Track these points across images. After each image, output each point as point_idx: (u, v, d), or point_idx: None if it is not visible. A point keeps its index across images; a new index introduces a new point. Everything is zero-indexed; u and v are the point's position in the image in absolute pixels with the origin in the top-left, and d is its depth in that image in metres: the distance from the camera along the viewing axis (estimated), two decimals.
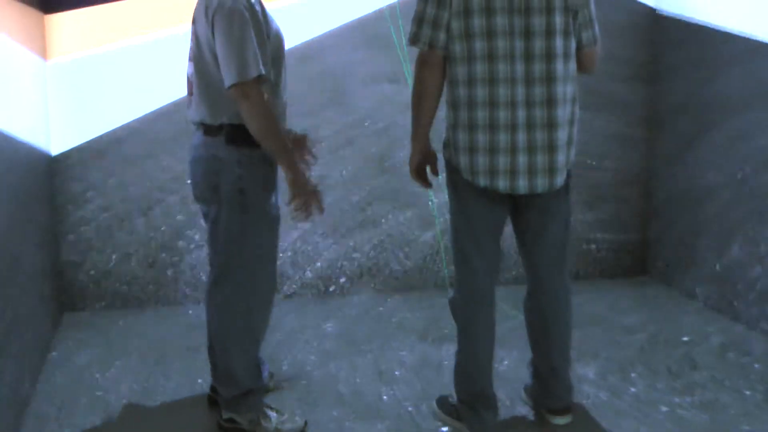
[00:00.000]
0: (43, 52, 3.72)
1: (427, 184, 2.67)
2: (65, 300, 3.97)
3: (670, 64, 4.21)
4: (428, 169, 2.65)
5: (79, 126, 3.87)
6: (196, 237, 4.05)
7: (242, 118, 2.37)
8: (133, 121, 3.96)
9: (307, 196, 2.47)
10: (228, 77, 2.33)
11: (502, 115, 2.41)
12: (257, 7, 2.41)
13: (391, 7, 4.09)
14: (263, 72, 2.35)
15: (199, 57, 2.45)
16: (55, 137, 3.84)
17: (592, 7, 2.48)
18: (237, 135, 2.43)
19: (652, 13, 4.30)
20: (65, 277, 3.96)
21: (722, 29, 3.75)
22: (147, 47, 3.90)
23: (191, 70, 2.51)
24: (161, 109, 3.95)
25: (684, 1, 4.05)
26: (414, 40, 2.46)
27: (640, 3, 4.33)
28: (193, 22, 2.48)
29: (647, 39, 4.32)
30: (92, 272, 4.01)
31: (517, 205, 2.56)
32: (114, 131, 3.94)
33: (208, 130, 2.48)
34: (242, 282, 2.53)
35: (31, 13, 3.51)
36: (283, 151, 2.42)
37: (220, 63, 2.36)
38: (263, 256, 2.55)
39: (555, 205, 2.57)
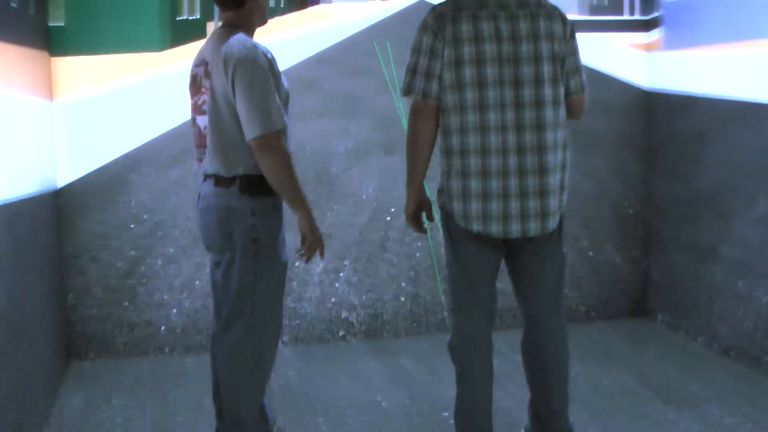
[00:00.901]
0: (49, 92, 3.90)
1: (421, 229, 2.77)
2: (72, 348, 4.07)
3: (662, 137, 4.42)
4: (423, 215, 2.76)
5: (83, 164, 4.03)
6: (197, 283, 4.15)
7: (259, 168, 2.49)
8: (138, 160, 4.11)
9: (316, 243, 2.61)
10: (251, 129, 2.43)
11: (494, 162, 2.52)
12: (274, 62, 2.53)
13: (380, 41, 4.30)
14: (285, 125, 2.48)
15: (214, 110, 2.53)
16: (61, 175, 4.01)
17: (579, 56, 2.61)
18: (251, 185, 2.53)
19: (641, 91, 4.54)
20: (71, 325, 4.06)
21: (706, 96, 3.98)
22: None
23: (204, 122, 2.59)
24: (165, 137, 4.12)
25: (670, 77, 4.32)
26: (407, 90, 2.58)
27: (629, 83, 4.56)
28: (206, 75, 2.57)
29: (639, 115, 4.53)
30: (98, 320, 4.11)
31: (511, 249, 2.65)
32: (118, 170, 4.08)
33: (220, 180, 2.57)
34: (252, 327, 2.61)
35: (39, 56, 3.68)
36: (301, 201, 2.55)
37: (241, 115, 2.46)
38: (272, 302, 2.65)
39: (549, 248, 2.66)
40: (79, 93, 4.02)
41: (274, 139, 2.44)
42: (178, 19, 4.17)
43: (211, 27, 4.24)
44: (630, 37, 4.62)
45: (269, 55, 2.50)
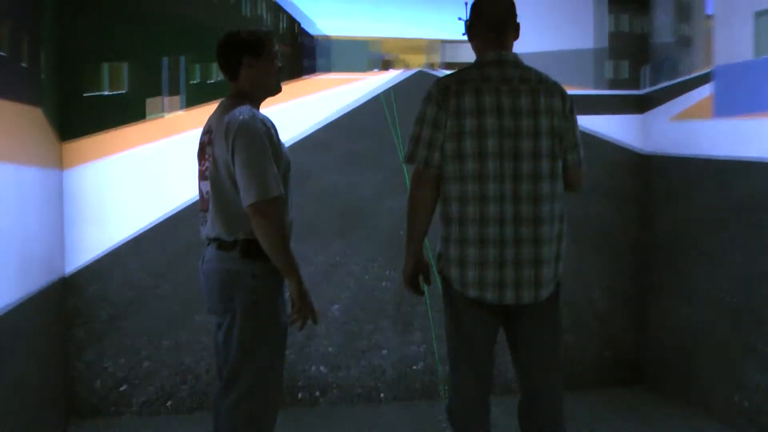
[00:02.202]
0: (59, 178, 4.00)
1: (419, 292, 2.86)
2: (72, 408, 4.11)
3: (657, 196, 4.61)
4: (421, 278, 2.86)
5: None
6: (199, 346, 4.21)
7: (257, 234, 2.59)
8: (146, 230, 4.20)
9: (307, 310, 2.69)
10: (248, 196, 2.56)
11: (492, 231, 2.63)
12: (273, 131, 2.67)
13: (386, 93, 4.49)
14: (282, 192, 2.60)
15: (216, 177, 2.67)
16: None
17: (577, 131, 2.76)
18: (252, 249, 2.64)
19: (636, 154, 4.74)
20: (73, 386, 4.12)
21: (699, 156, 4.20)
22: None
23: (207, 188, 2.72)
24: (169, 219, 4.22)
25: (663, 140, 4.57)
26: (410, 158, 2.72)
27: (626, 147, 4.77)
28: (209, 143, 2.72)
29: (636, 176, 4.73)
30: (98, 381, 4.18)
31: (508, 315, 2.75)
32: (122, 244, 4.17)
33: (222, 244, 2.68)
34: (252, 388, 2.67)
35: (50, 141, 3.80)
36: (292, 268, 2.64)
37: (239, 182, 2.58)
38: (273, 364, 2.72)
39: (546, 315, 2.75)
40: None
41: (270, 206, 2.55)
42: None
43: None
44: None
45: (268, 124, 2.65)
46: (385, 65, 4.66)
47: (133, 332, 4.20)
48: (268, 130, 2.62)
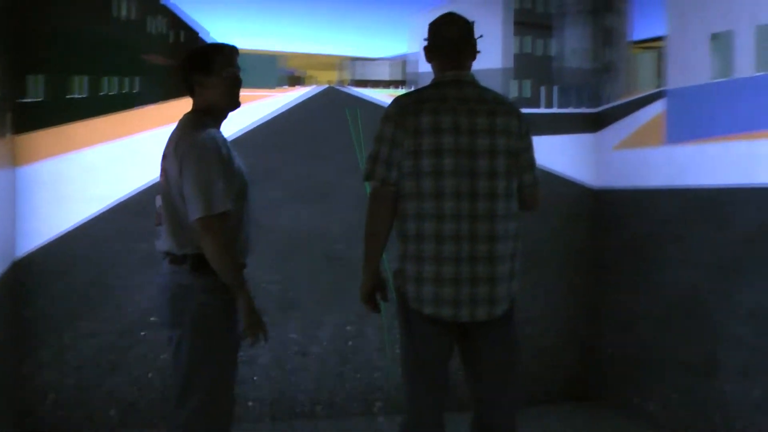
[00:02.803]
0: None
1: (376, 309, 2.89)
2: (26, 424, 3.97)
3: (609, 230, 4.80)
4: (378, 295, 2.89)
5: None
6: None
7: (203, 249, 2.61)
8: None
9: (256, 326, 2.70)
10: (194, 211, 2.58)
11: (448, 248, 2.69)
12: (224, 147, 2.68)
13: (351, 109, 4.51)
14: (229, 208, 2.61)
15: (167, 191, 2.69)
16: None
17: (533, 151, 2.86)
18: (202, 264, 2.64)
19: (588, 189, 4.92)
20: (27, 402, 3.98)
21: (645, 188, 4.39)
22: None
23: (160, 202, 2.74)
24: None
25: (612, 175, 4.72)
26: (368, 176, 2.76)
27: (578, 182, 4.93)
28: (164, 157, 2.73)
29: (589, 212, 4.90)
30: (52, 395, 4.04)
31: (463, 332, 2.81)
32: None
33: (174, 259, 2.70)
34: (203, 404, 2.67)
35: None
36: (238, 284, 2.66)
37: (186, 197, 2.60)
38: (224, 380, 2.73)
39: (500, 332, 2.83)
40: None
41: (215, 222, 2.58)
42: None
43: None
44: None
45: (219, 141, 2.66)
46: (294, 81, 4.63)
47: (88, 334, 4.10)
48: (217, 147, 2.63)
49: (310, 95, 4.64)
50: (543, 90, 5.11)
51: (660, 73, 4.37)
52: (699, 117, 3.89)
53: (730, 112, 3.67)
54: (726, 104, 3.70)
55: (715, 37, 3.84)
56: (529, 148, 2.84)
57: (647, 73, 4.52)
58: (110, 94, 4.27)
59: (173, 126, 2.77)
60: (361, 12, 4.63)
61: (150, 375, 4.15)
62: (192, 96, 2.79)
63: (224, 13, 4.37)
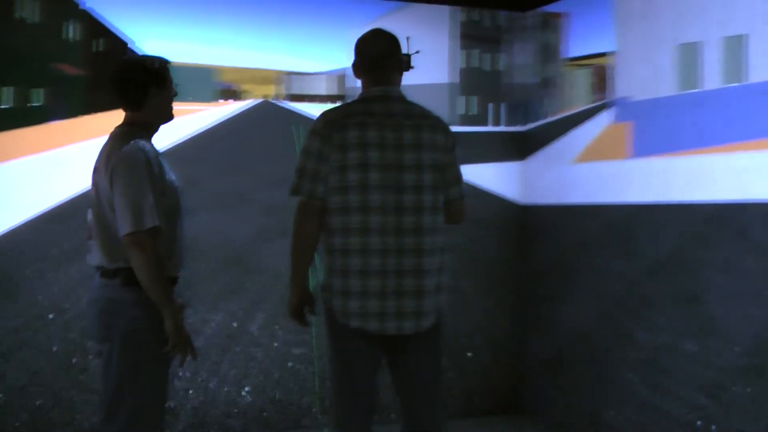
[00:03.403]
0: None
1: (304, 323, 2.94)
2: None
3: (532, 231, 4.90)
4: (306, 309, 2.94)
5: None
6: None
7: (132, 264, 2.63)
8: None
9: (183, 343, 2.73)
10: (123, 226, 2.60)
11: (374, 262, 2.74)
12: (155, 161, 2.70)
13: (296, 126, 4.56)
14: (158, 224, 2.62)
15: (98, 205, 2.71)
16: None
17: (459, 166, 2.92)
18: (133, 278, 2.66)
19: (515, 205, 5.02)
20: None
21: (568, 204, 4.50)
22: None
23: (90, 216, 2.76)
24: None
25: (536, 192, 4.83)
26: (295, 190, 2.80)
27: (506, 198, 5.01)
28: (95, 171, 2.74)
29: (515, 226, 4.98)
30: None
31: (391, 346, 2.86)
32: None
33: (105, 272, 2.72)
34: (133, 420, 2.69)
35: None
36: (165, 300, 2.67)
37: (116, 211, 2.62)
38: (154, 393, 2.75)
39: (428, 345, 2.88)
40: None
41: (144, 237, 2.60)
42: None
43: None
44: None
45: (151, 155, 2.68)
46: (229, 95, 4.60)
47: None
48: (149, 161, 2.65)
49: (243, 109, 4.61)
50: (491, 107, 5.13)
51: (594, 89, 4.45)
52: (666, 130, 3.83)
53: (697, 125, 3.64)
54: (693, 117, 3.66)
55: (681, 47, 3.79)
56: (455, 162, 2.90)
57: (581, 90, 4.60)
58: (34, 105, 4.18)
59: (97, 139, 2.82)
60: (301, 25, 4.64)
61: None
62: (134, 109, 2.78)
63: (154, 24, 4.33)
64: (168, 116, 2.85)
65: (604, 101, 4.32)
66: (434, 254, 2.80)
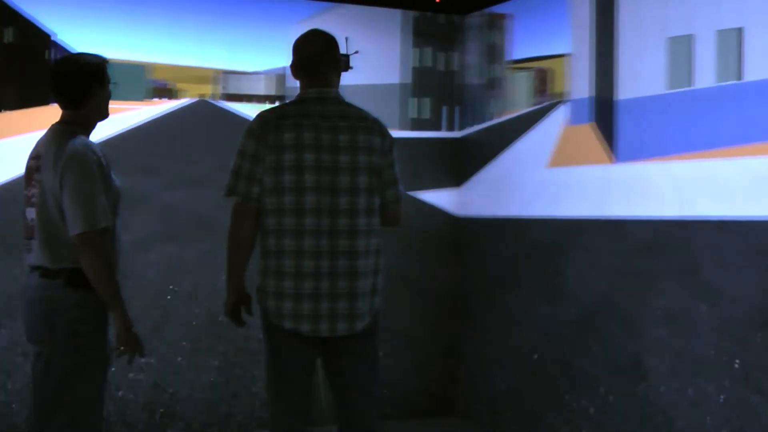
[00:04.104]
0: None
1: (240, 323, 2.97)
2: None
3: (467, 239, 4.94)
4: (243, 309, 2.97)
5: None
6: None
7: (83, 264, 2.64)
8: None
9: (133, 342, 2.76)
10: (74, 226, 2.61)
11: (308, 263, 2.79)
12: (103, 160, 2.72)
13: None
14: (110, 224, 2.67)
15: (43, 204, 2.70)
16: None
17: (396, 168, 2.97)
18: (76, 279, 2.68)
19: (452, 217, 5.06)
20: None
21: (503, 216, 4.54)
22: None
23: (33, 215, 2.74)
24: None
25: (472, 206, 4.85)
26: (230, 191, 2.83)
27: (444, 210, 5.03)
28: (37, 170, 2.73)
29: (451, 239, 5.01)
30: None
31: (326, 348, 2.90)
32: None
33: (45, 273, 2.71)
34: (73, 422, 2.70)
35: None
36: (117, 300, 2.70)
37: (66, 211, 2.63)
38: (94, 395, 2.77)
39: (362, 348, 2.93)
40: None
41: (96, 237, 2.62)
42: None
43: None
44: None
45: (99, 154, 2.71)
46: (164, 94, 4.50)
47: None
48: (98, 160, 2.69)
49: (176, 108, 4.53)
50: (445, 110, 5.03)
51: (536, 92, 4.48)
52: (654, 131, 3.54)
53: (689, 127, 3.37)
54: (685, 117, 3.38)
55: (672, 41, 3.49)
56: (392, 165, 2.94)
57: (523, 93, 4.62)
58: None
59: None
60: (240, 24, 4.57)
61: None
62: (74, 107, 2.78)
63: (80, 16, 4.21)
64: (105, 114, 2.87)
65: (553, 102, 4.31)
66: (369, 256, 2.85)
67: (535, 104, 4.45)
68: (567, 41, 4.17)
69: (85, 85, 2.76)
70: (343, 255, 2.79)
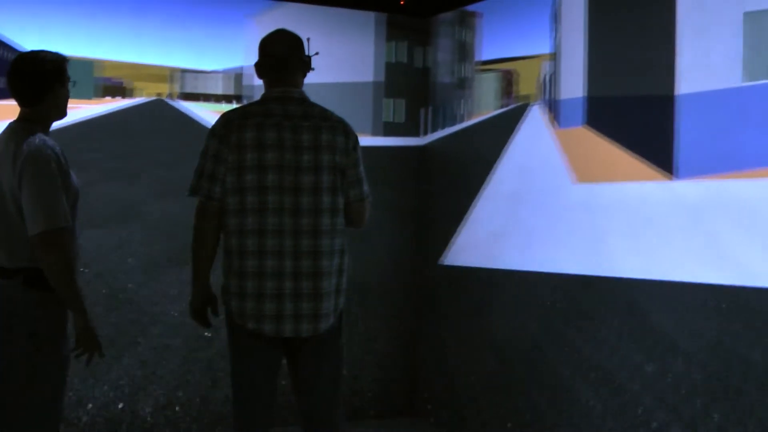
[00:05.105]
0: None
1: (206, 324, 3.03)
2: None
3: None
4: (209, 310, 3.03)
5: None
6: None
7: (42, 264, 2.66)
8: None
9: (91, 342, 2.78)
10: (35, 225, 2.62)
11: (270, 263, 2.83)
12: (62, 159, 2.74)
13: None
14: (70, 223, 2.69)
15: (0, 203, 2.71)
16: None
17: (361, 167, 3.00)
18: (35, 278, 2.69)
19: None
20: None
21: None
22: None
23: None
24: None
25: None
26: (193, 191, 2.87)
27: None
28: None
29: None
30: None
31: (290, 348, 2.96)
32: None
33: (3, 272, 2.73)
34: (32, 422, 2.71)
35: None
36: (77, 300, 2.72)
37: (25, 210, 2.64)
38: (54, 395, 2.78)
39: (326, 349, 2.98)
40: None
41: (57, 236, 2.64)
42: None
43: None
44: None
45: (58, 152, 2.73)
46: (116, 92, 4.37)
47: None
48: (57, 158, 2.71)
49: (129, 106, 4.41)
50: (423, 113, 4.84)
51: (503, 94, 4.44)
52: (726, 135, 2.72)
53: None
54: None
55: (749, 18, 2.69)
56: (356, 164, 2.98)
57: (490, 94, 4.58)
58: None
59: None
60: (197, 22, 4.47)
61: None
62: (32, 105, 2.79)
63: (27, 14, 4.07)
64: (64, 112, 2.89)
65: (522, 104, 4.21)
66: (333, 256, 2.89)
67: (502, 106, 4.41)
68: (533, 43, 4.12)
69: (44, 82, 2.78)
70: (306, 255, 2.84)
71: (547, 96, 4.03)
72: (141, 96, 4.45)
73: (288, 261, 2.81)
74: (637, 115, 3.22)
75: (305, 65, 3.00)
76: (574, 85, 3.73)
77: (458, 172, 4.68)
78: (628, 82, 3.30)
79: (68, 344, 2.82)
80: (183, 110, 4.49)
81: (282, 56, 2.93)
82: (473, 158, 4.51)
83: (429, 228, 4.99)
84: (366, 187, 3.02)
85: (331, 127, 2.90)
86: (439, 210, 4.88)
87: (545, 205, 3.74)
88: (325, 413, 3.01)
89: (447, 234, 4.73)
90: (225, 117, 2.89)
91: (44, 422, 2.76)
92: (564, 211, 3.61)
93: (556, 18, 3.94)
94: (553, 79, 3.94)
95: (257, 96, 2.97)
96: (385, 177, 4.76)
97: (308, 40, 3.00)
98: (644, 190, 3.08)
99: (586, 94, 3.66)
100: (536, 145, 3.96)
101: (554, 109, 3.91)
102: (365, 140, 4.20)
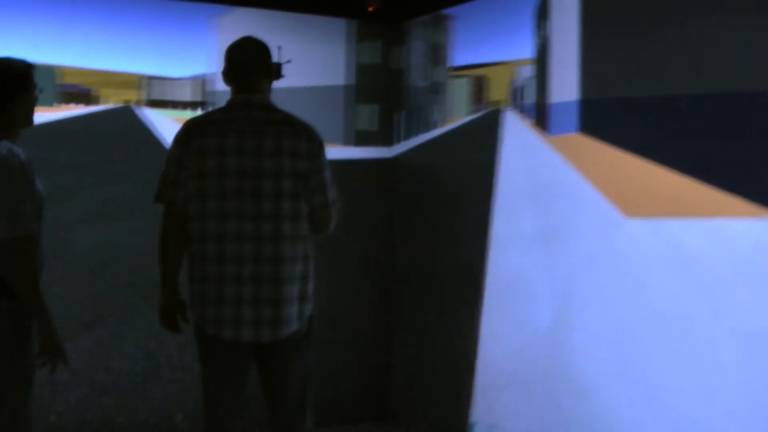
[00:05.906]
0: None
1: (176, 329, 3.06)
2: None
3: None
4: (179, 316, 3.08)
5: None
6: None
7: (6, 272, 2.69)
8: None
9: (57, 351, 2.81)
10: None
11: (230, 269, 2.89)
12: (27, 166, 2.76)
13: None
14: (33, 230, 2.71)
15: None
16: None
17: (326, 173, 3.01)
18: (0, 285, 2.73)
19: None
20: None
21: None
22: None
23: None
24: None
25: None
26: (158, 197, 2.94)
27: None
28: None
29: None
30: None
31: (256, 354, 3.01)
32: None
33: None
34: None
35: None
36: (41, 308, 2.75)
37: None
38: (18, 408, 2.79)
39: (295, 355, 3.03)
40: None
41: (20, 244, 2.67)
42: None
43: None
44: None
45: (23, 160, 2.76)
46: (79, 99, 4.33)
47: None
48: (23, 166, 2.74)
49: (95, 113, 4.35)
50: (396, 119, 4.71)
51: (474, 99, 4.44)
52: None
53: None
54: None
55: None
56: (320, 170, 2.99)
57: (462, 100, 4.58)
58: None
59: None
60: (164, 28, 4.44)
61: None
62: (1, 112, 2.80)
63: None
64: (30, 120, 2.89)
65: (494, 110, 4.15)
66: (296, 262, 2.93)
67: (472, 112, 4.40)
68: (503, 50, 4.11)
69: (9, 90, 2.80)
70: (267, 261, 2.88)
71: (521, 101, 3.92)
72: (108, 103, 4.44)
73: (248, 267, 2.86)
74: (605, 119, 2.93)
75: (271, 71, 3.04)
76: (564, 87, 3.35)
77: (435, 187, 4.44)
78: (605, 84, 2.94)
79: (34, 351, 2.83)
80: (145, 118, 4.48)
81: (245, 63, 2.98)
82: (456, 171, 4.21)
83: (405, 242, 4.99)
84: (332, 194, 3.03)
85: (294, 133, 2.94)
86: (412, 223, 4.88)
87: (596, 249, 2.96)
88: (293, 418, 3.06)
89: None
90: (188, 124, 2.95)
91: (13, 429, 2.79)
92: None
93: (540, 14, 3.73)
94: (538, 81, 3.72)
95: (219, 101, 2.99)
96: (355, 192, 4.74)
97: (279, 48, 3.02)
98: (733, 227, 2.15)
99: (579, 97, 3.25)
100: (527, 157, 3.56)
101: (541, 114, 3.61)
102: (336, 152, 4.20)
